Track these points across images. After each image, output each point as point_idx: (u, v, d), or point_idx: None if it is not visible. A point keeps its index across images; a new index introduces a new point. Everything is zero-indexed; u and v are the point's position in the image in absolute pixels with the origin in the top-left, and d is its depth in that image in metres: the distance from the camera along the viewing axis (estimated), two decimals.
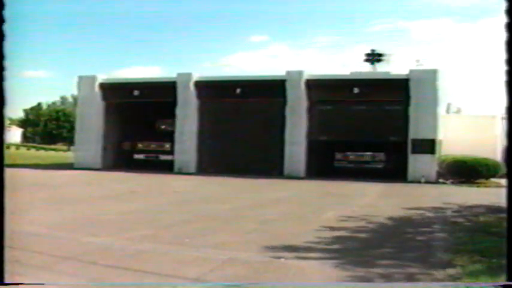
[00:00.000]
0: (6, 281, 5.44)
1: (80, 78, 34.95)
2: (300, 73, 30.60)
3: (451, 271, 7.70)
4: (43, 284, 6.77)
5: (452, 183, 26.95)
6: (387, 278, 7.41)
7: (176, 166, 31.82)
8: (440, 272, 7.72)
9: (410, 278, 7.47)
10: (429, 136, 28.11)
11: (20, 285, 6.03)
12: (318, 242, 10.06)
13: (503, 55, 5.21)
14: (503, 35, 5.19)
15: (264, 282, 7.31)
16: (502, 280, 6.00)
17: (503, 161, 24.29)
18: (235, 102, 31.77)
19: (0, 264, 5.29)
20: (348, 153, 30.86)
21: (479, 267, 7.80)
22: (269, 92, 31.17)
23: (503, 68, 5.18)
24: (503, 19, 5.21)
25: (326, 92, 29.90)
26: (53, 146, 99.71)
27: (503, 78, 5.16)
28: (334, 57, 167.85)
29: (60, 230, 11.00)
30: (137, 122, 35.43)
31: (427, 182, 26.65)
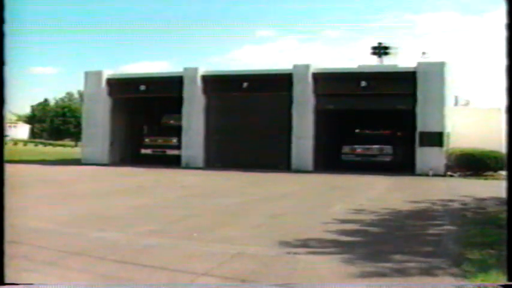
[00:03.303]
0: (7, 281, 5.42)
1: (87, 73, 34.99)
2: (307, 67, 30.53)
3: (461, 264, 7.64)
4: (44, 284, 6.74)
5: (460, 176, 26.89)
6: (398, 272, 7.35)
7: (183, 161, 31.85)
8: (452, 265, 7.66)
9: (420, 271, 7.41)
10: (437, 129, 28.02)
11: (20, 286, 6.01)
12: (327, 236, 10.02)
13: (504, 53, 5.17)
14: (504, 35, 5.15)
15: (272, 283, 7.25)
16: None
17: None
18: (242, 96, 31.71)
19: (1, 264, 5.26)
20: (355, 146, 30.80)
21: (488, 260, 7.74)
22: (276, 85, 31.10)
23: (504, 67, 5.15)
24: (504, 17, 5.17)
25: (333, 85, 29.79)
26: (60, 142, 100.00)
27: (503, 77, 5.13)
28: (341, 51, 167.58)
29: (67, 226, 10.98)
30: (144, 117, 35.50)
31: (435, 175, 26.59)
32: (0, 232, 5.20)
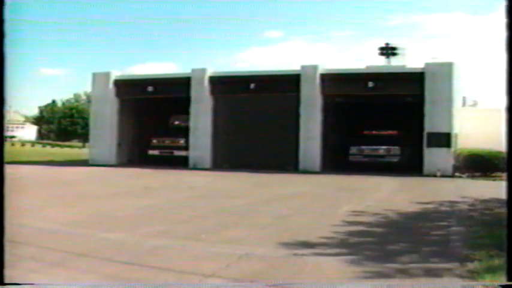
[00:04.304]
0: (6, 281, 5.43)
1: (94, 75, 35.06)
2: (315, 67, 30.49)
3: (469, 265, 7.61)
4: (44, 284, 6.74)
5: (468, 176, 26.80)
6: (405, 273, 7.34)
7: (191, 162, 31.85)
8: (458, 266, 7.64)
9: (428, 273, 7.39)
10: (445, 130, 27.93)
11: (19, 286, 6.02)
12: (334, 237, 10.00)
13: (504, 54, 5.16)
14: (503, 34, 5.14)
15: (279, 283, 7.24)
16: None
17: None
18: (249, 97, 31.70)
19: (0, 264, 5.27)
20: (363, 147, 30.77)
21: (497, 262, 7.70)
22: (283, 86, 31.08)
23: (504, 67, 5.14)
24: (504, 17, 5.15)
25: (341, 86, 29.75)
26: (67, 143, 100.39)
27: (504, 77, 5.12)
28: (348, 52, 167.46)
29: (75, 226, 10.99)
30: (151, 118, 35.52)
31: (443, 175, 26.50)
32: (0, 232, 5.20)
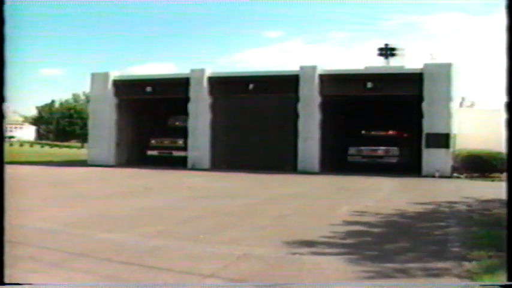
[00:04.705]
0: (6, 281, 5.43)
1: (93, 75, 35.02)
2: (314, 68, 30.47)
3: (467, 265, 7.63)
4: (44, 284, 6.74)
5: (467, 177, 26.81)
6: (404, 273, 7.35)
7: (189, 162, 31.83)
8: (457, 266, 7.65)
9: (427, 273, 7.40)
10: (443, 130, 27.92)
11: (19, 286, 6.02)
12: (333, 237, 10.01)
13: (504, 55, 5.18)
14: (504, 35, 5.16)
15: (279, 283, 7.24)
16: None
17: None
18: (248, 98, 31.67)
19: (0, 264, 5.27)
20: (362, 147, 30.76)
21: (495, 262, 7.72)
22: (282, 87, 31.04)
23: (504, 68, 5.15)
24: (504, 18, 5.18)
25: (340, 86, 29.74)
26: (66, 143, 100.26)
27: (504, 77, 5.14)
28: (347, 53, 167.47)
29: (74, 227, 11.00)
30: (150, 119, 35.52)
31: (442, 176, 26.51)
32: (0, 232, 5.20)
